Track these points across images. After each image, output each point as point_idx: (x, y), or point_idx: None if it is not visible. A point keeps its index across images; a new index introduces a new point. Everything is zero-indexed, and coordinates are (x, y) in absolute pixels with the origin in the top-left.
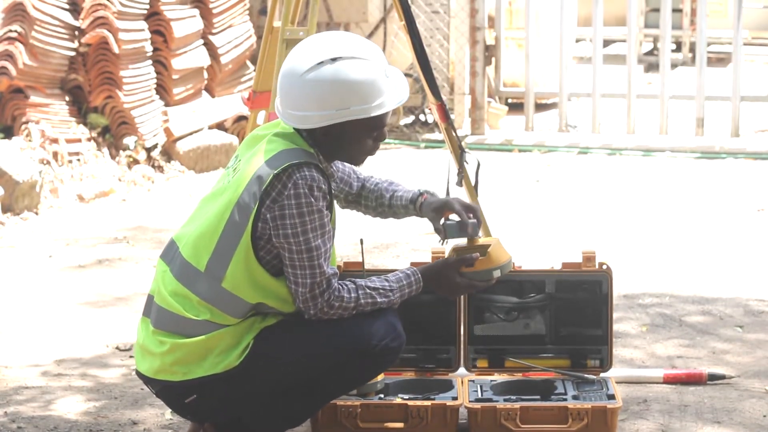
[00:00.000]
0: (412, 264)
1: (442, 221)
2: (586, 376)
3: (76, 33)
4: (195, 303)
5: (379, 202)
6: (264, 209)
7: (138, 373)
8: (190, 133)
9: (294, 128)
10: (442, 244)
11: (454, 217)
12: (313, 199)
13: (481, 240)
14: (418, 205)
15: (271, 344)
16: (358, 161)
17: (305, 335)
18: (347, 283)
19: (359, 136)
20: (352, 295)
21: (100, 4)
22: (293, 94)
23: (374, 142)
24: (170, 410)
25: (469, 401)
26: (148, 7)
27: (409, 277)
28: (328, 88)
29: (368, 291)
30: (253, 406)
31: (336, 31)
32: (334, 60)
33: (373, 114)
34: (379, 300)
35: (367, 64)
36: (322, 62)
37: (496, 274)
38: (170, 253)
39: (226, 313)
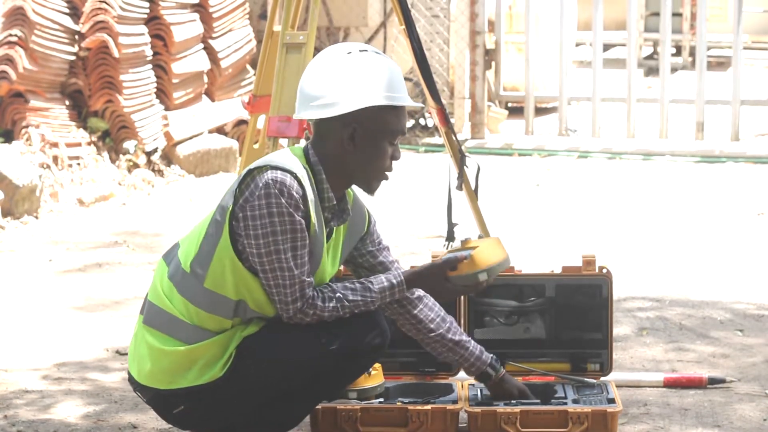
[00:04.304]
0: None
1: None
2: (586, 379)
3: (76, 37)
4: (181, 302)
5: (427, 336)
6: (237, 208)
7: (130, 380)
8: (190, 137)
9: (308, 144)
10: (447, 248)
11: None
12: (283, 201)
13: (474, 241)
14: (490, 384)
15: (254, 352)
16: (372, 183)
17: (288, 341)
18: (324, 289)
19: (380, 140)
20: (327, 304)
21: (100, 9)
22: (319, 85)
23: (392, 153)
24: None
25: (470, 405)
26: (148, 11)
27: (393, 284)
28: (357, 72)
29: (346, 303)
30: (241, 414)
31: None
32: (362, 51)
33: (398, 103)
34: (358, 303)
35: (391, 61)
36: (350, 52)
37: (482, 277)
38: (171, 254)
39: (211, 312)
